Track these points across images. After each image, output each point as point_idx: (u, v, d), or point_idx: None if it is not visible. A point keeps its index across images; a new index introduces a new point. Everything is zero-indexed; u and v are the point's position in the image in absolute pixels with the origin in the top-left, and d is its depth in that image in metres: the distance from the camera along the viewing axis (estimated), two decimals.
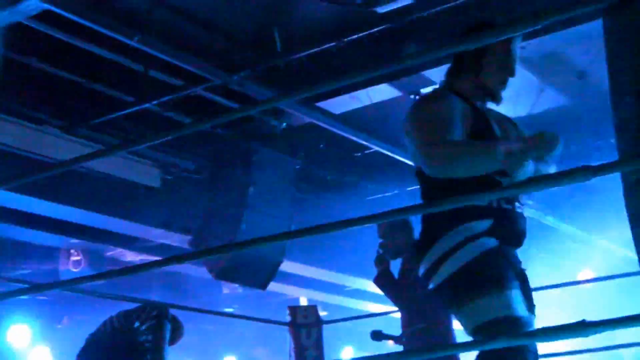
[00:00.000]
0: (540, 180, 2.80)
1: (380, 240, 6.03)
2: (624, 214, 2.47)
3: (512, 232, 3.35)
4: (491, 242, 3.25)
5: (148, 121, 7.47)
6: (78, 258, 9.94)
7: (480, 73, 3.53)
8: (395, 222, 5.92)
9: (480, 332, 3.09)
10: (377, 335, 5.94)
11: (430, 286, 3.35)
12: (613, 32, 2.51)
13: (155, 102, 7.08)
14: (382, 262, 5.97)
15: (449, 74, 3.67)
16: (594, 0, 2.01)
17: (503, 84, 3.56)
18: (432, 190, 3.45)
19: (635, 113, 2.39)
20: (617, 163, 2.42)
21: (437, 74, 6.47)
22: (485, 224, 3.26)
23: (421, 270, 3.40)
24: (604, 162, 2.41)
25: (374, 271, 6.04)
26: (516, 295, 3.16)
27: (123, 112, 7.28)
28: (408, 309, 5.76)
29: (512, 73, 3.56)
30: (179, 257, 3.53)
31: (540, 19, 2.70)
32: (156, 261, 3.55)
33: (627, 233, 2.44)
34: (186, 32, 6.38)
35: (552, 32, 5.67)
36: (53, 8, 5.38)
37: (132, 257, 9.86)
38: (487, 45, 3.44)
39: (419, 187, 3.61)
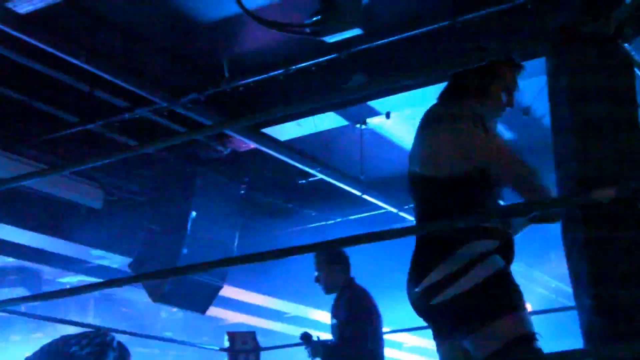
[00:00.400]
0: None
1: (316, 273, 5.91)
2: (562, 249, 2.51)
3: (511, 255, 3.37)
4: (501, 261, 3.27)
5: (92, 142, 7.40)
6: (14, 278, 9.79)
7: (484, 99, 3.47)
8: (332, 255, 5.83)
9: (507, 349, 3.06)
10: (307, 338, 5.79)
11: (433, 302, 3.25)
12: (555, 70, 2.57)
13: (99, 122, 7.02)
14: (307, 340, 5.80)
15: (450, 97, 3.55)
16: (536, 40, 2.06)
17: (500, 112, 3.55)
18: (452, 206, 3.32)
19: (574, 150, 2.43)
20: (556, 200, 2.47)
21: (382, 104, 6.55)
22: (494, 243, 3.27)
23: (422, 286, 3.28)
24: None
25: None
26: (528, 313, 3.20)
27: (66, 132, 7.20)
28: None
29: (512, 103, 3.55)
30: (119, 280, 3.50)
31: (486, 54, 2.76)
32: (96, 284, 3.51)
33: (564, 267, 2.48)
34: (133, 54, 6.35)
35: None
36: None
37: (70, 278, 9.73)
38: (497, 71, 3.44)
39: (423, 202, 3.50)
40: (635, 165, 2.39)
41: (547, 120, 2.60)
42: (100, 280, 7.58)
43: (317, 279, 5.87)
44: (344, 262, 5.86)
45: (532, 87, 5.86)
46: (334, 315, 5.83)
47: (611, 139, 2.41)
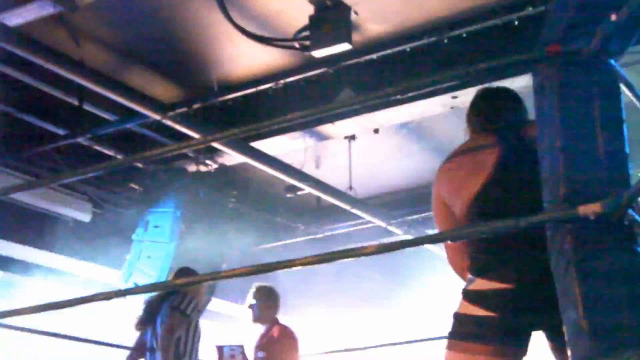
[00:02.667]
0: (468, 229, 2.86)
1: (251, 302, 6.16)
2: None
3: None
4: None
5: (80, 154, 7.40)
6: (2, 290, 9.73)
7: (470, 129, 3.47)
8: (271, 291, 6.18)
9: None
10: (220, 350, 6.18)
11: None
12: (540, 87, 2.58)
13: (88, 135, 7.02)
14: None
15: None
16: (522, 57, 2.08)
17: None
18: None
19: (560, 167, 2.45)
20: (542, 215, 2.49)
21: (371, 118, 6.57)
22: None
23: None
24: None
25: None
26: None
27: (55, 145, 7.20)
28: None
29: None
30: (107, 293, 3.50)
31: (471, 72, 2.78)
32: (83, 297, 3.51)
33: None
34: (122, 68, 6.37)
35: (485, 84, 5.79)
36: None
37: (59, 290, 9.67)
38: (472, 102, 3.45)
39: None
40: (621, 183, 2.41)
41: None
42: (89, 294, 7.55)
43: (250, 307, 6.15)
44: (277, 301, 6.19)
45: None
46: (259, 348, 6.13)
47: (598, 157, 2.43)
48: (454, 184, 3.17)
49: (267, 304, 6.13)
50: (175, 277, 6.05)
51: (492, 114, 3.37)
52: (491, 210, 2.98)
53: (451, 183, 3.19)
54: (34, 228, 8.03)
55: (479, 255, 3.03)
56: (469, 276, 3.05)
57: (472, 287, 3.00)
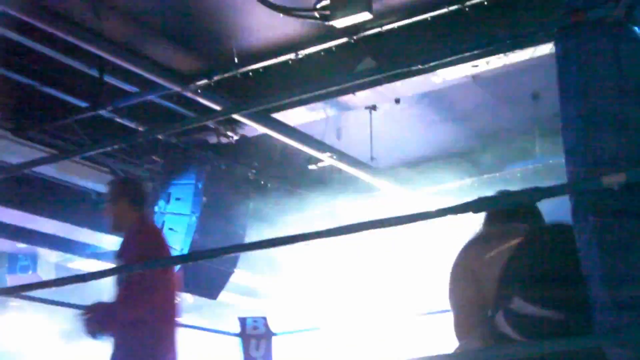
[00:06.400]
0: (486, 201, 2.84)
1: (105, 206, 4.88)
2: None
3: None
4: None
5: (102, 127, 7.42)
6: (26, 263, 9.82)
7: None
8: (125, 187, 4.90)
9: None
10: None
11: None
12: (563, 56, 2.55)
13: (109, 108, 7.03)
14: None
15: None
16: (543, 26, 2.05)
17: None
18: None
19: (583, 137, 2.42)
20: (566, 185, 2.46)
21: (391, 89, 6.53)
22: None
23: None
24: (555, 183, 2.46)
25: None
26: None
27: (77, 117, 7.22)
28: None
29: None
30: (129, 266, 3.52)
31: (494, 41, 2.75)
32: (107, 270, 3.52)
33: None
34: (143, 40, 6.35)
35: (508, 53, 5.74)
36: (8, 10, 5.33)
37: (81, 264, 9.75)
38: None
39: None
40: None
41: (557, 105, 2.58)
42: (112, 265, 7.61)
43: (105, 212, 4.86)
44: (138, 197, 4.87)
45: (542, 71, 5.84)
46: (118, 256, 4.75)
47: (621, 124, 2.39)
48: None
49: (121, 203, 4.75)
50: None
51: None
52: None
53: None
54: (57, 201, 8.08)
55: None
56: None
57: None
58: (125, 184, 5.00)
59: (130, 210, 4.76)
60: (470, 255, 3.22)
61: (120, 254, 4.67)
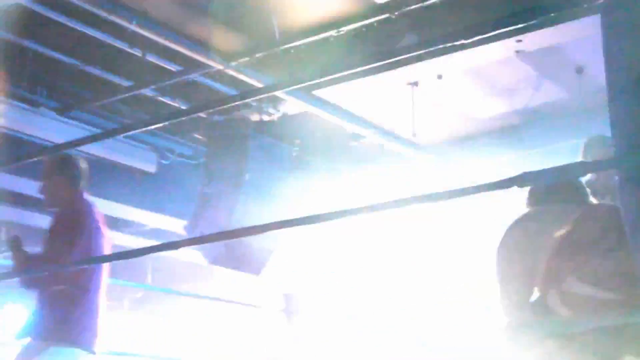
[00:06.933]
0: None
1: (41, 183, 4.86)
2: None
3: None
4: None
5: (144, 106, 7.48)
6: None
7: None
8: (59, 163, 4.84)
9: None
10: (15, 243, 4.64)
11: None
12: (609, 28, 2.51)
13: (152, 86, 7.07)
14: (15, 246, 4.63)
15: None
16: None
17: None
18: None
19: (630, 109, 2.39)
20: (612, 159, 2.43)
21: (434, 65, 6.49)
22: None
23: None
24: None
25: None
26: None
27: (120, 96, 7.28)
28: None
29: None
30: (175, 243, 3.55)
31: (537, 13, 2.71)
32: (152, 246, 3.56)
33: None
34: (184, 18, 6.37)
35: (551, 26, 5.67)
36: None
37: (125, 241, 9.85)
38: None
39: None
40: None
41: (601, 79, 2.54)
42: (156, 242, 7.68)
43: (41, 190, 4.82)
44: (74, 174, 4.83)
45: (587, 45, 5.76)
46: (48, 231, 4.75)
47: None
48: None
49: (55, 180, 4.81)
50: None
51: None
52: None
53: None
54: (102, 179, 8.16)
55: None
56: None
57: None
58: (61, 161, 4.87)
59: (66, 188, 4.76)
60: (518, 234, 3.21)
61: (49, 230, 4.67)
